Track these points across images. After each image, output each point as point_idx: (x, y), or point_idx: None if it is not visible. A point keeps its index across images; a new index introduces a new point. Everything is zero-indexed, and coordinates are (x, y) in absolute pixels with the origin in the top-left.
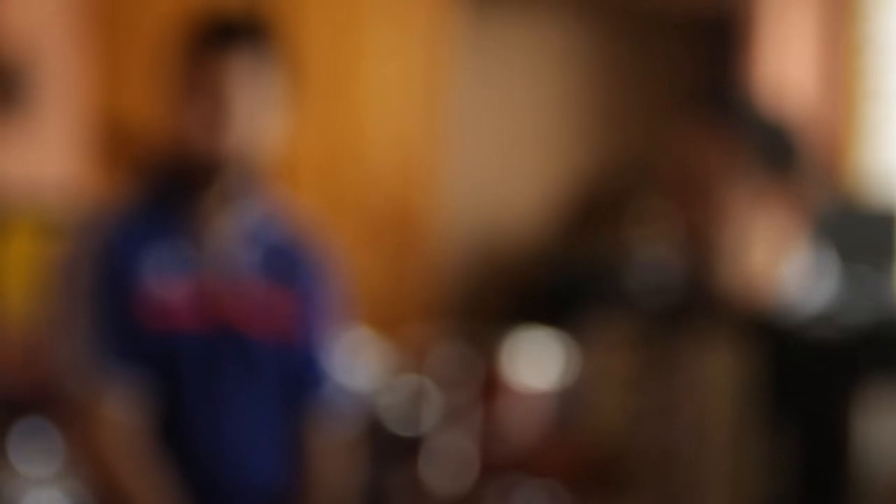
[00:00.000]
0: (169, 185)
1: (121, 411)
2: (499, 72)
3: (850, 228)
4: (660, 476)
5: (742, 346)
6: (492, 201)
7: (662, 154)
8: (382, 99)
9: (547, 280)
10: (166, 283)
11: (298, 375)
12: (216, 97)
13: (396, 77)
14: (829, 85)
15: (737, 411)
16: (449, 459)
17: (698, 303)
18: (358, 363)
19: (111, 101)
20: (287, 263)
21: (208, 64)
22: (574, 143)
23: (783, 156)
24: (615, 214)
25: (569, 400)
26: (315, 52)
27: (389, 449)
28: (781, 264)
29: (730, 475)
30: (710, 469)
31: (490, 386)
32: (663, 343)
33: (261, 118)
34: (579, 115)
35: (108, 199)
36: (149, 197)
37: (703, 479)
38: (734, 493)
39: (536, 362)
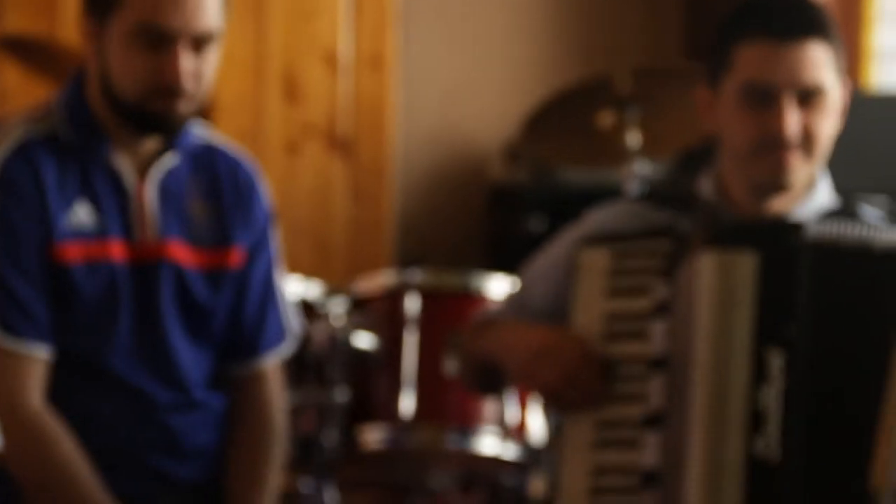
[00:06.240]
0: (95, 133)
1: (28, 397)
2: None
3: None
4: (648, 384)
5: (736, 251)
6: (453, 135)
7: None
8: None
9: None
10: (87, 249)
11: (240, 327)
12: (176, 51)
13: None
14: None
15: (727, 318)
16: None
17: (689, 210)
18: (299, 302)
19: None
20: (221, 214)
21: (169, 13)
22: (542, 65)
23: None
24: (587, 133)
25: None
26: None
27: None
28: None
29: (716, 385)
30: (698, 378)
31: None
32: (653, 252)
33: (213, 65)
34: (546, 38)
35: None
36: (69, 144)
37: (691, 388)
38: (719, 402)
39: None
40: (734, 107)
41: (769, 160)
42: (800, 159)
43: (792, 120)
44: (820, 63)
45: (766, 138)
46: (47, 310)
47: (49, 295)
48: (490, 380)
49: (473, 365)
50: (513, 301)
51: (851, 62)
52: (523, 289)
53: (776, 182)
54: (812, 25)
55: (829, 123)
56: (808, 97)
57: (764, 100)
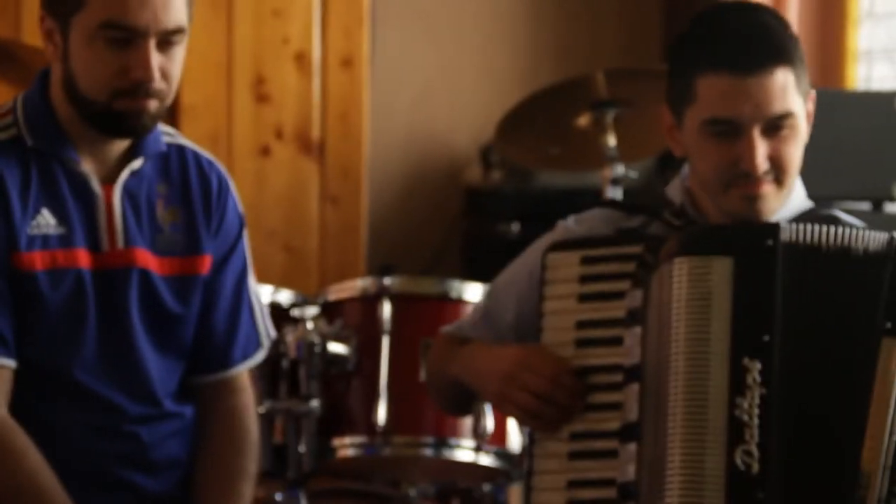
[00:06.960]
0: (59, 137)
1: None
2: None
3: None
4: (622, 394)
5: (711, 255)
6: (427, 137)
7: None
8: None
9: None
10: (52, 257)
11: (211, 337)
12: (146, 48)
13: None
14: None
15: (704, 324)
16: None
17: (662, 216)
18: (270, 308)
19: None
20: (191, 221)
21: (136, 10)
22: (519, 66)
23: None
24: (564, 136)
25: None
26: None
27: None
28: None
29: (694, 394)
30: (675, 387)
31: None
32: (625, 257)
33: (180, 65)
34: (523, 38)
35: None
36: (34, 148)
37: (668, 396)
38: (698, 411)
39: None
40: (699, 139)
41: (740, 194)
42: (771, 188)
43: (761, 153)
44: (785, 90)
45: (735, 172)
46: (12, 323)
47: (13, 308)
48: (464, 402)
49: (445, 389)
50: (483, 314)
51: (834, 61)
52: (495, 301)
53: (749, 213)
54: (774, 52)
55: (797, 146)
56: (775, 125)
57: (730, 133)
